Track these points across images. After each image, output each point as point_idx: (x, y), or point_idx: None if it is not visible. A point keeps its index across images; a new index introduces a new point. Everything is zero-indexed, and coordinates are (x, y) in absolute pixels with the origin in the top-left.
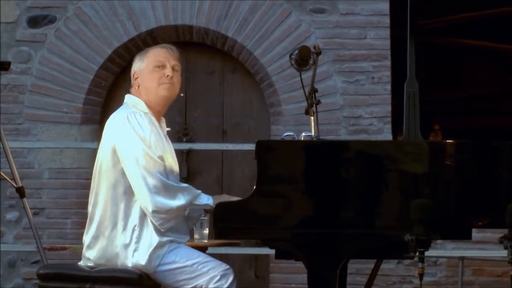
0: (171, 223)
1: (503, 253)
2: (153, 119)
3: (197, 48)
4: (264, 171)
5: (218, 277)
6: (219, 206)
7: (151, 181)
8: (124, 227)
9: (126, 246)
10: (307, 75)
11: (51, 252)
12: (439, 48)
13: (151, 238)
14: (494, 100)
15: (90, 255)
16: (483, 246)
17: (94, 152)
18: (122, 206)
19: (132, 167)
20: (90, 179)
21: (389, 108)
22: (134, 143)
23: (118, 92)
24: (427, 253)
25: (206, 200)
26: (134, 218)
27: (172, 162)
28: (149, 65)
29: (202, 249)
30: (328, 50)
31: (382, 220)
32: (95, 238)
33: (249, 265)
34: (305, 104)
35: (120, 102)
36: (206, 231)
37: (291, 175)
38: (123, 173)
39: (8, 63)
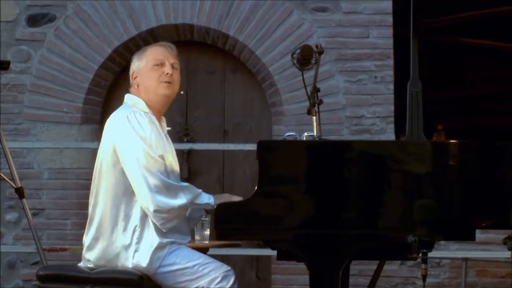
0: (172, 223)
1: (507, 254)
2: (153, 118)
3: (198, 47)
4: (265, 172)
5: (219, 279)
6: (220, 207)
7: (152, 181)
8: (125, 228)
9: (127, 247)
10: (309, 75)
11: (50, 253)
12: (443, 47)
13: (152, 239)
14: (498, 100)
15: (90, 256)
16: (487, 247)
17: (94, 152)
18: (122, 206)
19: (132, 167)
20: (90, 179)
21: (392, 107)
22: (134, 142)
23: (118, 92)
24: (430, 254)
25: (207, 199)
26: (135, 219)
27: (173, 162)
28: (148, 63)
29: (203, 250)
30: (330, 49)
31: (385, 221)
32: (95, 239)
33: (251, 267)
34: (307, 103)
35: (120, 102)
36: (207, 232)
37: (293, 176)
38: (123, 173)
39: (8, 63)
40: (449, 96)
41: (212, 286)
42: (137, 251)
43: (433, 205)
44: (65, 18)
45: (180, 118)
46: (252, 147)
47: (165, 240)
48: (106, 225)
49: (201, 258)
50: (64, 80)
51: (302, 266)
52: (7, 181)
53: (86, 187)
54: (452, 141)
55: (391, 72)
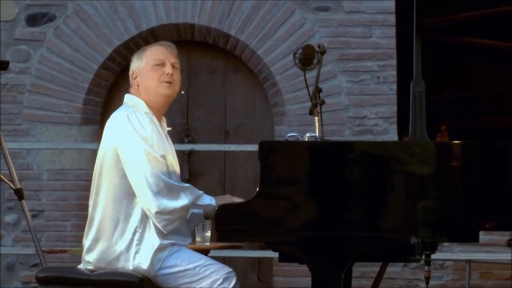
0: (174, 225)
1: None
2: (154, 118)
3: (199, 47)
4: (267, 173)
5: (220, 280)
6: (221, 208)
7: (154, 182)
8: (125, 229)
9: (127, 248)
10: (311, 75)
11: (50, 255)
12: (446, 47)
13: (152, 240)
14: (502, 100)
15: (90, 258)
16: (491, 249)
17: (94, 153)
18: (123, 207)
19: (133, 168)
20: (90, 180)
21: (395, 108)
22: (135, 143)
23: (119, 92)
24: (433, 256)
25: (209, 200)
26: (136, 220)
27: (174, 162)
28: (148, 63)
29: (204, 252)
30: (333, 49)
31: (388, 223)
32: (95, 240)
33: (252, 268)
34: (309, 104)
35: (120, 102)
36: (208, 234)
37: (295, 177)
38: (124, 174)
39: (7, 62)
40: (453, 96)
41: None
42: (138, 252)
43: (436, 206)
44: (65, 18)
45: (181, 119)
46: (254, 148)
47: (166, 242)
48: (107, 226)
49: (202, 259)
50: (64, 80)
51: (304, 268)
52: (6, 182)
53: (86, 188)
54: (456, 141)
55: (394, 72)
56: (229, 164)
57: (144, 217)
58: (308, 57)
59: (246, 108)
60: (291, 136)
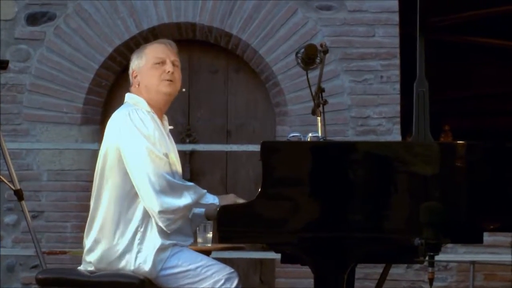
0: (177, 224)
1: None
2: (155, 117)
3: (201, 46)
4: (269, 173)
5: (222, 281)
6: (223, 210)
7: (156, 181)
8: (127, 229)
9: (129, 249)
10: (313, 74)
11: (50, 257)
12: (450, 46)
13: (154, 240)
14: (506, 100)
15: (91, 258)
16: (495, 250)
17: (94, 153)
18: (125, 207)
19: (136, 167)
20: (91, 181)
21: (398, 108)
22: (138, 141)
23: (119, 92)
24: (437, 258)
25: (212, 199)
26: (137, 220)
27: (176, 161)
28: (148, 62)
29: (206, 253)
30: (336, 48)
31: (391, 224)
32: (97, 241)
33: (254, 270)
34: (311, 104)
35: (121, 102)
36: (210, 235)
37: (297, 177)
38: (125, 174)
39: (6, 62)
40: (456, 96)
41: None
42: (140, 252)
43: (440, 207)
44: (65, 17)
45: (182, 119)
46: (256, 148)
47: (168, 242)
48: (108, 226)
49: (203, 260)
50: (64, 79)
51: (306, 269)
52: (5, 183)
53: (86, 189)
54: (460, 142)
55: (397, 72)
56: (230, 164)
57: (146, 217)
58: (310, 57)
59: (248, 108)
60: (293, 136)
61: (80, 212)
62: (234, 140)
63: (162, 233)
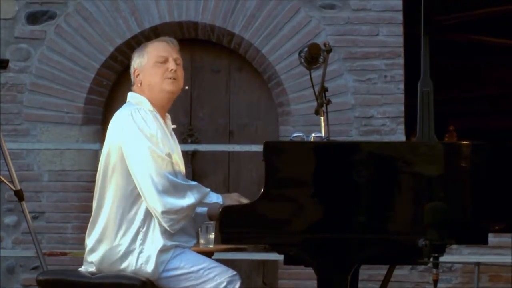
0: (181, 224)
1: None
2: (158, 116)
3: (203, 45)
4: (272, 174)
5: (224, 284)
6: (226, 210)
7: (159, 181)
8: (129, 229)
9: (131, 249)
10: (317, 74)
11: (51, 258)
12: (454, 45)
13: (156, 241)
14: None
15: (93, 258)
16: (500, 251)
17: (95, 154)
18: (127, 207)
19: (138, 167)
20: (92, 181)
21: (402, 108)
22: (140, 141)
23: (121, 91)
24: (441, 259)
25: (216, 198)
26: (140, 221)
27: (179, 161)
28: (151, 60)
29: (208, 254)
30: (339, 47)
31: (395, 225)
32: (99, 241)
33: (257, 271)
34: (315, 103)
35: (122, 102)
36: (212, 236)
37: (300, 178)
38: (128, 174)
39: (6, 61)
40: (461, 96)
41: None
42: (142, 252)
43: (445, 208)
44: (65, 16)
45: (184, 118)
46: (258, 148)
47: (170, 243)
48: (111, 227)
49: (206, 262)
50: (65, 79)
51: (309, 271)
52: (6, 183)
53: (87, 189)
54: (464, 142)
55: (401, 71)
56: (233, 165)
57: (148, 217)
58: (313, 56)
59: (250, 108)
60: (296, 136)
61: (81, 213)
62: (236, 140)
63: (164, 234)
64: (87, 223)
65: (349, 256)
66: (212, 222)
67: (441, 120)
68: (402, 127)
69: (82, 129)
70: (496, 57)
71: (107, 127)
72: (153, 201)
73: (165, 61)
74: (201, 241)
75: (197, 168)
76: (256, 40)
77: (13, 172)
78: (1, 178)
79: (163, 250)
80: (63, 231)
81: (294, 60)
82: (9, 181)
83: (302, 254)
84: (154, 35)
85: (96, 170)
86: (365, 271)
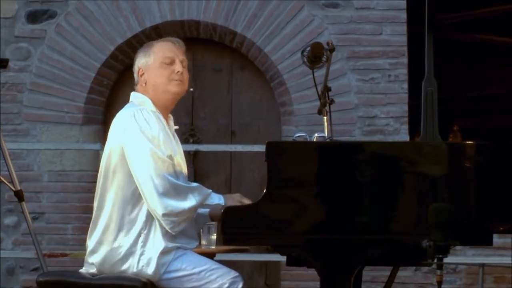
0: (182, 226)
1: None
2: (161, 117)
3: (204, 44)
4: (274, 174)
5: (226, 285)
6: (228, 211)
7: (160, 183)
8: (130, 231)
9: (132, 251)
10: (320, 73)
11: (51, 259)
12: (459, 44)
13: (157, 243)
14: None
15: (94, 259)
16: (505, 253)
17: (96, 154)
18: (128, 209)
19: (139, 169)
20: (92, 182)
21: (406, 107)
22: (141, 143)
23: (122, 91)
24: (446, 260)
25: (218, 199)
26: (141, 222)
27: (181, 162)
28: (157, 60)
29: (210, 255)
30: (342, 46)
31: (399, 225)
32: (100, 242)
33: (259, 273)
34: (317, 103)
35: (123, 101)
36: (214, 237)
37: (303, 178)
38: (130, 175)
39: (6, 60)
40: (466, 95)
41: None
42: (143, 254)
43: (449, 208)
44: (66, 15)
45: (185, 118)
46: (261, 148)
47: (171, 245)
48: (112, 228)
49: (207, 263)
50: (65, 78)
51: (312, 272)
52: (6, 183)
53: (87, 190)
54: (469, 142)
55: (405, 71)
56: (235, 165)
57: (150, 219)
58: (316, 55)
59: (252, 108)
60: (299, 136)
61: (81, 214)
62: (238, 140)
63: (166, 236)
64: (88, 224)
65: (352, 257)
66: (214, 223)
67: (445, 120)
68: (406, 127)
69: (82, 129)
70: (499, 56)
71: (108, 127)
72: (154, 203)
73: (172, 62)
74: (203, 242)
75: (198, 169)
76: (258, 39)
77: (13, 173)
78: (1, 178)
79: (164, 252)
80: (63, 232)
81: (297, 59)
82: (9, 182)
83: (305, 255)
84: (155, 34)
85: (97, 171)
86: (368, 272)
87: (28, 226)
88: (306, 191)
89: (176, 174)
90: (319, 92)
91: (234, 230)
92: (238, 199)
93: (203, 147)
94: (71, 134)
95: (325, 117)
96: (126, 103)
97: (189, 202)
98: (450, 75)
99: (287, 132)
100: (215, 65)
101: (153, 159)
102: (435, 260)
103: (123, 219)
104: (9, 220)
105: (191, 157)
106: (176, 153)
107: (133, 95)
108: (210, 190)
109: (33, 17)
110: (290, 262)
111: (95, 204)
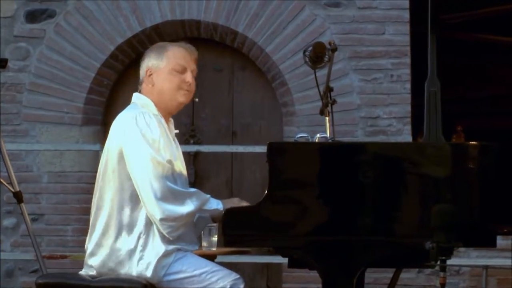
0: (180, 231)
1: None
2: (163, 121)
3: (205, 44)
4: (276, 175)
5: (227, 287)
6: (229, 212)
7: (158, 188)
8: (129, 234)
9: (131, 254)
10: (322, 73)
11: (50, 261)
12: (462, 44)
13: (157, 246)
14: None
15: (93, 262)
16: (509, 255)
17: (96, 155)
18: (127, 211)
19: (138, 173)
20: (92, 183)
21: (409, 108)
22: (142, 147)
23: (122, 91)
24: (449, 262)
25: (216, 205)
26: (140, 225)
27: (181, 166)
28: (168, 66)
29: (211, 257)
30: (344, 46)
31: (402, 227)
32: (99, 245)
33: (261, 275)
34: (319, 103)
35: (123, 102)
36: (215, 239)
37: (305, 179)
38: (129, 178)
39: (5, 60)
40: (469, 96)
41: None
42: (142, 258)
43: (452, 210)
44: (65, 14)
45: (186, 119)
46: (262, 149)
47: (171, 247)
48: (111, 230)
49: (208, 265)
50: (65, 78)
51: (314, 274)
52: (5, 185)
53: (87, 191)
54: (472, 142)
55: (408, 71)
56: (236, 166)
57: (149, 223)
58: (318, 55)
59: (254, 108)
60: (301, 137)
61: (81, 215)
62: (239, 141)
63: (165, 239)
64: (88, 225)
65: (354, 259)
66: (215, 224)
67: (449, 120)
68: (408, 128)
69: (82, 130)
70: (503, 56)
71: (107, 128)
72: (152, 207)
73: (183, 71)
74: (204, 244)
75: (199, 170)
76: (259, 38)
77: (12, 174)
78: (0, 179)
79: (164, 255)
80: (63, 233)
81: (299, 59)
82: (8, 183)
83: (307, 257)
84: (156, 34)
85: (96, 171)
86: (370, 274)
87: (27, 228)
88: (308, 193)
89: (175, 179)
90: (321, 93)
91: (235, 231)
92: (237, 203)
93: (204, 148)
94: (70, 134)
95: (327, 118)
96: (127, 104)
97: (187, 207)
98: (453, 75)
99: (288, 132)
100: (216, 65)
101: (152, 163)
102: (438, 262)
103: (122, 221)
104: (8, 221)
105: (192, 158)
106: (176, 157)
107: (136, 96)
108: (209, 195)
109: (32, 16)
110: (292, 264)
111: (94, 205)
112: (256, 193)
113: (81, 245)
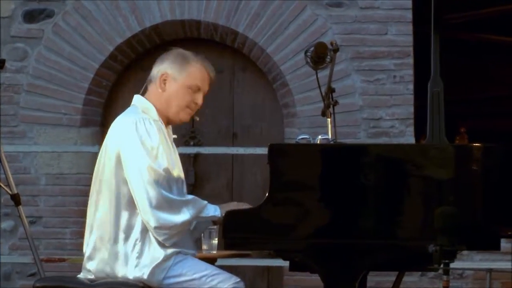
0: (175, 239)
1: None
2: (163, 127)
3: (206, 44)
4: (277, 177)
5: None
6: (229, 215)
7: (154, 196)
8: (126, 239)
9: (129, 258)
10: (323, 74)
11: (48, 264)
12: (466, 44)
13: (154, 252)
14: None
15: (91, 266)
16: None
17: (94, 157)
18: (125, 216)
19: (135, 180)
20: (90, 185)
21: (411, 109)
22: (139, 155)
23: (121, 92)
24: (452, 265)
25: (213, 211)
26: (137, 230)
27: (179, 174)
28: (186, 81)
29: (211, 260)
30: (346, 46)
31: (404, 230)
32: (96, 248)
33: (261, 278)
34: (321, 105)
35: (122, 103)
36: (215, 242)
37: (306, 181)
38: (125, 182)
39: (3, 61)
40: (472, 97)
41: None
42: (137, 266)
43: (455, 212)
44: (64, 14)
45: None
46: (263, 151)
47: (170, 251)
48: (108, 234)
49: (208, 269)
50: (63, 79)
51: (316, 277)
52: (2, 187)
53: (85, 193)
54: (476, 144)
55: (411, 71)
56: (237, 168)
57: (145, 229)
58: (320, 56)
59: (254, 109)
60: (302, 138)
61: (79, 218)
62: (240, 143)
63: (162, 244)
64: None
65: (356, 263)
66: (215, 227)
67: (452, 122)
68: (411, 129)
69: (80, 131)
70: (506, 56)
71: (106, 129)
72: (147, 215)
73: (197, 91)
74: (204, 246)
75: (199, 172)
76: (260, 39)
77: (10, 176)
78: None
79: (163, 260)
80: (61, 236)
81: (300, 60)
82: (5, 185)
83: (308, 260)
84: (155, 34)
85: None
86: (373, 278)
87: (25, 231)
88: (310, 195)
89: (172, 187)
90: (323, 94)
91: (236, 234)
92: (235, 207)
93: (204, 150)
94: (68, 136)
95: (329, 119)
96: (126, 105)
97: (183, 216)
98: (457, 76)
99: (290, 134)
100: (217, 65)
101: (148, 172)
102: (442, 265)
103: (119, 225)
104: (5, 224)
105: (192, 160)
106: (174, 165)
107: (137, 99)
108: (206, 202)
109: (30, 16)
110: (293, 267)
111: (90, 208)
112: (257, 195)
113: (79, 248)
